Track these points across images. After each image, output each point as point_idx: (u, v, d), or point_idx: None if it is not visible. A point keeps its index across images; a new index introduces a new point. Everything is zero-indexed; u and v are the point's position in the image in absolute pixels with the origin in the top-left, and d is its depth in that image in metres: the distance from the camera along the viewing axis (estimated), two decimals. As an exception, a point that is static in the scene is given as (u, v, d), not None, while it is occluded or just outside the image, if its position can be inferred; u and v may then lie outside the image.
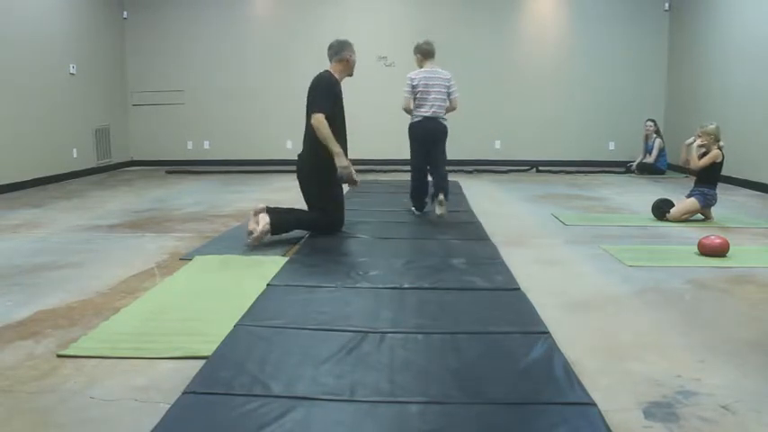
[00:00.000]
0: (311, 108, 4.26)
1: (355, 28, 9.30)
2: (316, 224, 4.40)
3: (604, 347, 2.45)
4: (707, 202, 5.13)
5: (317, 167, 4.33)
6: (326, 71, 4.40)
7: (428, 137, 5.14)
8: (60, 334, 2.56)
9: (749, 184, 7.28)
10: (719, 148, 5.11)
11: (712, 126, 5.16)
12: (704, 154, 5.15)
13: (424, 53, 5.22)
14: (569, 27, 9.82)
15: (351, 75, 4.54)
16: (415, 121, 5.17)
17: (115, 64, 9.74)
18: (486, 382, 2.06)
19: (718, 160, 5.08)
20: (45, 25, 7.87)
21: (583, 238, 4.47)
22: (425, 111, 5.09)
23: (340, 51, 4.41)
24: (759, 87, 7.16)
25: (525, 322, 2.62)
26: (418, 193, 5.31)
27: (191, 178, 8.51)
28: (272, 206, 4.35)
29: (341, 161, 4.24)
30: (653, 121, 9.04)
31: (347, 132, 4.52)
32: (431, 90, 5.08)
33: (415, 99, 5.12)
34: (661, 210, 5.16)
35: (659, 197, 5.38)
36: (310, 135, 4.30)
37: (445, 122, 5.20)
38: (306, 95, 4.39)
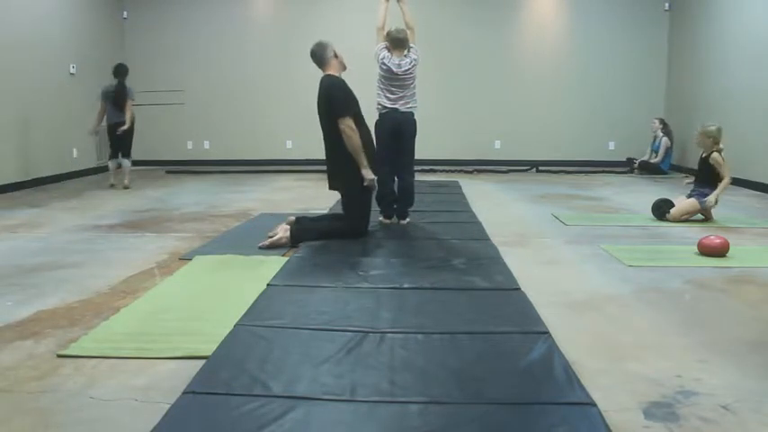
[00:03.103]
0: (335, 114, 4.14)
1: (355, 27, 9.30)
2: (343, 233, 4.31)
3: (604, 347, 2.45)
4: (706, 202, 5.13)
5: (345, 177, 4.29)
6: (328, 75, 4.32)
7: (397, 131, 4.67)
8: (60, 334, 2.56)
9: (749, 184, 7.28)
10: (719, 152, 5.10)
11: (713, 128, 5.14)
12: (704, 159, 5.15)
13: (392, 42, 4.66)
14: (569, 27, 9.82)
15: (345, 69, 4.43)
16: (383, 113, 4.70)
17: (115, 64, 9.71)
18: (486, 382, 2.06)
19: (720, 162, 5.08)
20: (45, 25, 7.87)
21: (583, 238, 4.47)
22: (392, 103, 4.68)
23: (323, 55, 4.32)
24: (759, 87, 7.16)
25: (525, 322, 2.62)
26: (385, 197, 4.82)
27: (191, 178, 8.51)
28: (300, 215, 4.40)
29: (368, 174, 4.21)
30: (658, 119, 9.03)
31: None
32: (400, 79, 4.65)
33: (381, 85, 4.71)
34: (661, 210, 5.15)
35: (659, 197, 5.37)
36: (333, 143, 4.24)
37: (414, 116, 4.75)
38: (316, 103, 4.34)
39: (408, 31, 4.78)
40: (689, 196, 5.20)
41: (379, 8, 4.90)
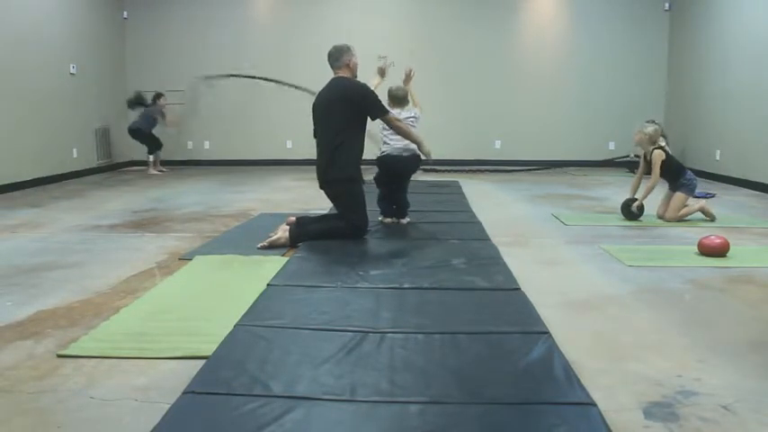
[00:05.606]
0: (382, 112, 4.31)
1: (355, 28, 9.31)
2: (343, 233, 4.31)
3: (604, 347, 2.45)
4: (690, 188, 5.12)
5: (348, 179, 4.33)
6: (341, 77, 4.38)
7: (397, 170, 4.80)
8: (60, 334, 2.56)
9: (749, 184, 7.28)
10: (661, 148, 5.09)
11: (650, 128, 5.16)
12: (647, 159, 5.17)
13: (393, 99, 4.81)
14: (569, 27, 9.82)
15: (355, 77, 4.49)
16: (386, 153, 4.78)
17: (115, 64, 9.74)
18: (486, 382, 2.06)
19: (663, 158, 5.08)
20: (45, 25, 7.87)
21: (583, 238, 4.47)
22: (397, 142, 4.71)
23: (340, 58, 4.40)
24: (759, 87, 7.16)
25: (525, 322, 2.62)
26: (384, 198, 4.99)
27: (191, 178, 8.51)
28: (301, 215, 4.42)
29: (427, 147, 4.56)
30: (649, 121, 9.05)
31: None
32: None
33: (385, 129, 4.74)
34: (629, 208, 5.12)
35: (626, 197, 5.27)
36: (340, 146, 4.27)
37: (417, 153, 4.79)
38: (323, 105, 4.35)
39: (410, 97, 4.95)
40: (673, 189, 5.19)
41: (371, 82, 4.85)
